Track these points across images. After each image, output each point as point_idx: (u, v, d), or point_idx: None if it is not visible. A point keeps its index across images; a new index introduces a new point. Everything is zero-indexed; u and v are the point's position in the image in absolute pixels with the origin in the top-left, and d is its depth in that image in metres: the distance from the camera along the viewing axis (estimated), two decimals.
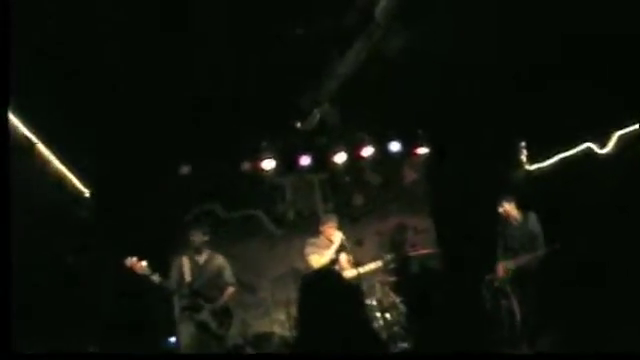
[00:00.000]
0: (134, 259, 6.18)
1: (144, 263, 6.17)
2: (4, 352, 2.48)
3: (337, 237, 7.17)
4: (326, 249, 7.14)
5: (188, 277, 6.53)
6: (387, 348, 2.77)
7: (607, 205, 6.49)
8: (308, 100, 7.30)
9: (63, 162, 6.05)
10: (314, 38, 5.91)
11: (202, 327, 6.51)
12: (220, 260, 6.93)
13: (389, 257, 7.92)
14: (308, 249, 7.23)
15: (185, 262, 6.63)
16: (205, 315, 6.52)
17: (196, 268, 6.65)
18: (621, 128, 6.56)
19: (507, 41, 6.46)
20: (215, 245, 8.59)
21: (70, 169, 6.25)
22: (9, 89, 3.09)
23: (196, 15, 5.43)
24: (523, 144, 8.30)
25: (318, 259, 7.04)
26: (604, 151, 6.79)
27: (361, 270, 7.31)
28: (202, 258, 6.76)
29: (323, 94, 7.02)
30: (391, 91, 7.55)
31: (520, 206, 7.24)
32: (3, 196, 2.72)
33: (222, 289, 6.76)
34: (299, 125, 7.84)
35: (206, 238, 6.82)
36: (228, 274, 6.90)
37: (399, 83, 7.33)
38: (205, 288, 6.61)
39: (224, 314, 6.71)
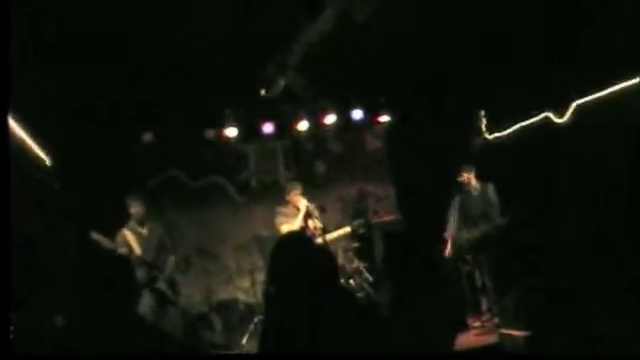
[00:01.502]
0: (98, 234, 6.22)
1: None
2: (4, 352, 2.46)
3: (302, 204, 7.18)
4: (294, 217, 7.12)
5: (137, 249, 6.53)
6: (365, 315, 2.84)
7: (565, 174, 6.66)
8: (273, 68, 7.28)
9: (24, 129, 5.90)
10: (281, 5, 5.88)
11: (160, 296, 6.58)
12: (160, 229, 7.00)
13: (357, 222, 7.99)
14: (279, 219, 7.16)
15: (129, 235, 6.59)
16: (161, 284, 6.59)
17: (142, 240, 6.66)
18: (579, 97, 6.68)
19: (469, 11, 6.54)
20: (179, 212, 8.67)
21: (31, 136, 6.11)
22: None
23: None
24: (483, 113, 8.42)
25: (289, 228, 6.93)
26: (562, 120, 6.92)
27: (330, 236, 7.39)
28: (145, 229, 6.76)
29: (288, 62, 7.01)
30: (354, 59, 7.58)
31: (479, 175, 7.38)
32: (3, 195, 2.66)
33: (166, 257, 6.84)
34: (263, 92, 7.82)
35: (145, 209, 6.81)
36: (168, 242, 7.00)
37: (363, 52, 7.36)
38: (155, 258, 6.66)
39: (174, 282, 6.84)
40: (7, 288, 2.69)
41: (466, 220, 7.32)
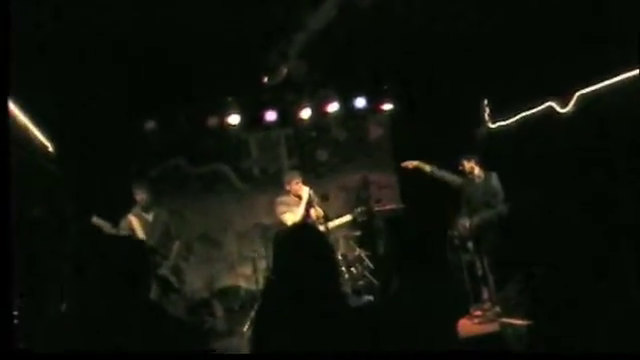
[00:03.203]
0: (100, 219, 6.26)
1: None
2: (5, 351, 2.44)
3: (305, 192, 7.07)
4: (296, 206, 7.01)
5: (141, 235, 6.54)
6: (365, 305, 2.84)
7: (567, 164, 6.65)
8: (275, 55, 7.25)
9: (27, 116, 5.90)
10: None
11: (164, 282, 6.58)
12: (165, 216, 6.99)
13: (358, 210, 7.96)
14: (280, 208, 7.03)
15: (134, 220, 6.62)
16: (165, 270, 6.60)
17: (147, 226, 6.68)
18: (582, 87, 6.65)
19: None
20: (181, 200, 8.68)
21: (35, 124, 6.11)
22: None
23: None
24: (486, 102, 8.39)
25: (292, 217, 6.87)
26: (565, 110, 6.89)
27: (332, 224, 7.33)
28: (150, 216, 6.78)
29: (291, 49, 6.97)
30: (358, 47, 7.55)
31: (482, 164, 7.37)
32: (3, 191, 2.63)
33: (171, 244, 6.84)
34: (265, 80, 7.79)
35: (150, 195, 6.81)
36: (173, 229, 6.98)
37: (366, 39, 7.33)
38: (159, 245, 6.66)
39: (178, 268, 6.85)
40: (9, 280, 2.66)
41: (468, 208, 7.31)
